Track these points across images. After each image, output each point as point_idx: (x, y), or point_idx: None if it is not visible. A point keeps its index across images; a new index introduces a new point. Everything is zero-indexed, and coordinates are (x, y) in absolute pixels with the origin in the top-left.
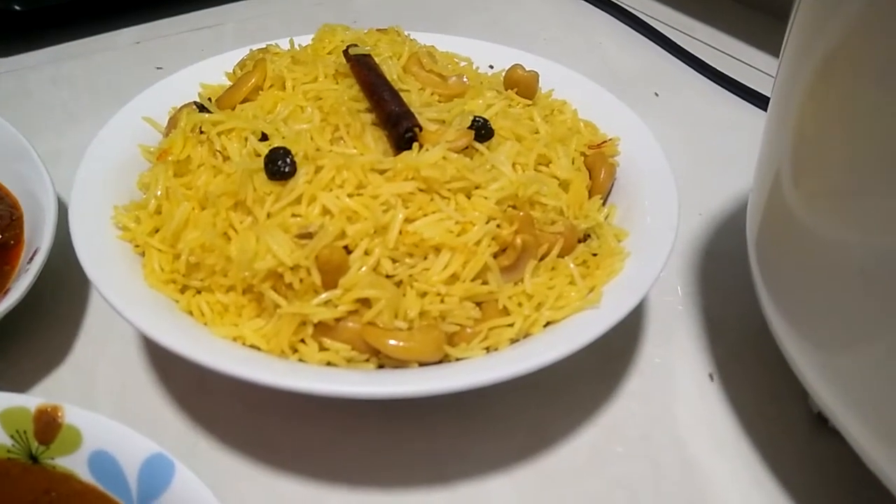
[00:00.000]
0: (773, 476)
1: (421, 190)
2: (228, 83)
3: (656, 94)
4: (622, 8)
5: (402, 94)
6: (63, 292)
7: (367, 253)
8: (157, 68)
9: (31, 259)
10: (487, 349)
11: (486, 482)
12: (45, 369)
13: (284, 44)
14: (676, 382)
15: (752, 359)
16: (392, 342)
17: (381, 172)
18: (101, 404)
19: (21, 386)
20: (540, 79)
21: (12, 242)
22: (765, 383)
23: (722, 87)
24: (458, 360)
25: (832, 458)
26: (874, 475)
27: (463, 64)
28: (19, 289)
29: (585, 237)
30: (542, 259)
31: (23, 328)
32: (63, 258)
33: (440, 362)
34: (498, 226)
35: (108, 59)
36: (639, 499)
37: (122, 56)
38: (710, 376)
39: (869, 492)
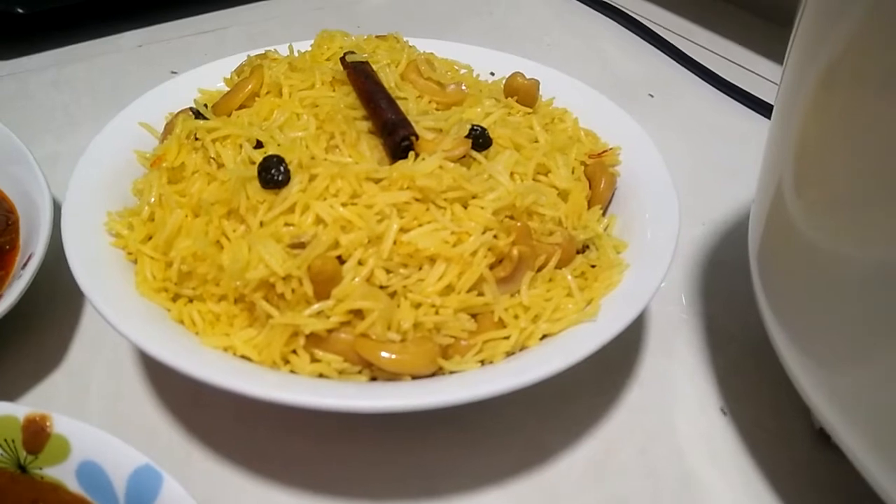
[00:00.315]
0: (774, 491)
1: (416, 199)
2: (227, 89)
3: (650, 95)
4: (625, 13)
5: (399, 102)
6: (58, 297)
7: (360, 263)
8: (172, 72)
9: (26, 264)
10: (482, 362)
11: (482, 496)
12: (38, 375)
13: (285, 49)
14: (677, 395)
15: (755, 371)
16: (385, 354)
17: (377, 181)
18: (94, 411)
19: (14, 391)
20: (541, 86)
21: (7, 247)
22: (767, 397)
23: (726, 94)
24: (452, 373)
25: (834, 475)
26: (876, 493)
27: (463, 71)
28: (12, 295)
29: (584, 248)
30: (539, 270)
31: (17, 333)
32: (59, 262)
33: (434, 375)
34: (495, 236)
35: (111, 63)
36: None
37: (125, 59)
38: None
39: None
